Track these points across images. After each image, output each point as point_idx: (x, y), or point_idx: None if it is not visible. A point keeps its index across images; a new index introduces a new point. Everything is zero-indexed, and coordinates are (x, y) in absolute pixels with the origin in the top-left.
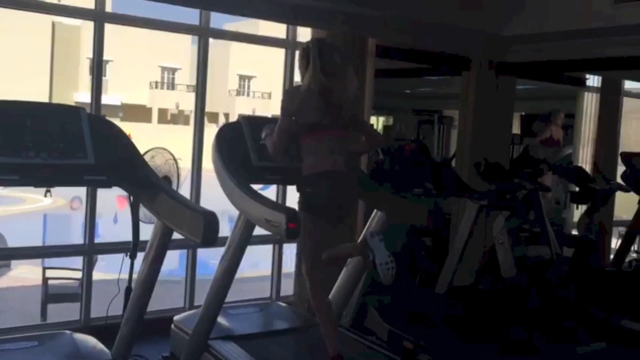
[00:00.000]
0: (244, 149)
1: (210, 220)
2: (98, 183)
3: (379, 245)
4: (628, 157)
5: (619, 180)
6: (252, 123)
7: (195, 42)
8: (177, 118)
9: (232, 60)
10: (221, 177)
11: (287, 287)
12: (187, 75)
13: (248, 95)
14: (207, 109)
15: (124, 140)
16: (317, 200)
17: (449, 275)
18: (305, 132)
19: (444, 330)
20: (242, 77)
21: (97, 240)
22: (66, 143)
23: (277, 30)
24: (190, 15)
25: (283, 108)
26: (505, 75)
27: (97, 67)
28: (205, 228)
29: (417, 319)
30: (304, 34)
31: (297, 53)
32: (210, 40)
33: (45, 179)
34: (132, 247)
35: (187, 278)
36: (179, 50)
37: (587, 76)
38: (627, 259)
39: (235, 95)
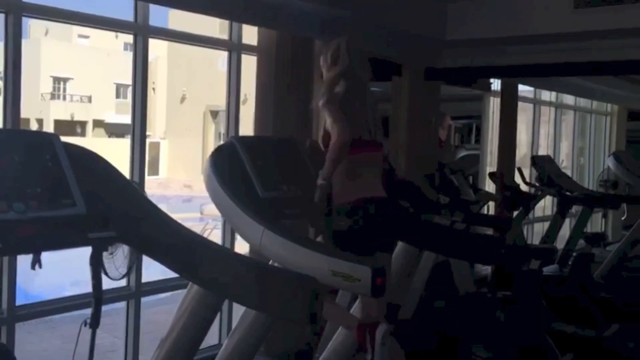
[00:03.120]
0: (245, 178)
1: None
2: (105, 242)
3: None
4: (539, 161)
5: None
6: (249, 144)
7: None
8: None
9: (45, 60)
10: (236, 217)
11: None
12: None
13: (64, 98)
14: None
15: (117, 178)
16: (358, 236)
17: (417, 297)
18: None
19: None
20: (56, 79)
21: None
22: (45, 187)
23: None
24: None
25: (339, 120)
26: (432, 81)
27: None
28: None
29: None
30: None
31: (323, 53)
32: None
33: (31, 243)
34: (92, 313)
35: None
36: None
37: (492, 80)
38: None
39: (50, 99)
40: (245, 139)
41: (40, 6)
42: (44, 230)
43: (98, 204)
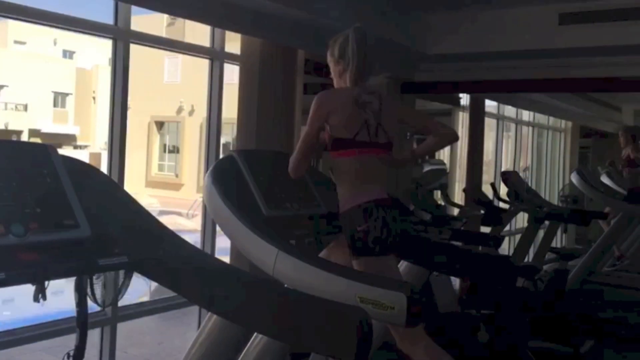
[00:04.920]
0: (248, 195)
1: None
2: (115, 267)
3: None
4: (509, 177)
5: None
6: (250, 159)
7: None
8: None
9: None
10: (244, 238)
11: None
12: None
13: None
14: None
15: (120, 195)
16: (377, 234)
17: None
18: (337, 149)
19: None
20: None
21: None
22: (45, 206)
23: None
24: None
25: (311, 115)
26: (408, 94)
27: None
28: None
29: None
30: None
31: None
32: None
33: (37, 271)
34: (76, 345)
35: None
36: None
37: (460, 95)
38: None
39: None
40: (246, 153)
41: (17, 6)
42: (48, 257)
43: (103, 224)
